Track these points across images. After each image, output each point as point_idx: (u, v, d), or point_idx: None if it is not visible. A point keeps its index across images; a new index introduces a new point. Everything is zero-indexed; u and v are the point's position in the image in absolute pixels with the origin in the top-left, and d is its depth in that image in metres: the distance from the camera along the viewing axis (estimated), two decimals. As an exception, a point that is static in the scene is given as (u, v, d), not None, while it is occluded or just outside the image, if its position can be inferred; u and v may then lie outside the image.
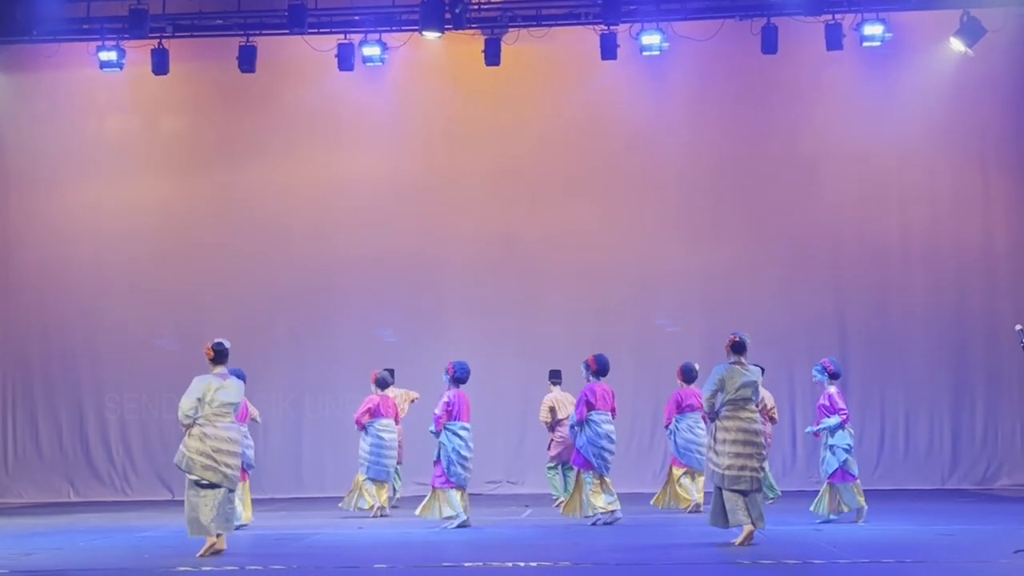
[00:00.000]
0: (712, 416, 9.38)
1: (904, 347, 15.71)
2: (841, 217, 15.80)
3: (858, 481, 11.06)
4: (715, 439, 9.33)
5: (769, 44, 14.72)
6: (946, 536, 9.81)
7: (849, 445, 10.98)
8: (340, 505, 12.85)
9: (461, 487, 11.10)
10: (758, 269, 15.77)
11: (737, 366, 9.34)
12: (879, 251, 15.80)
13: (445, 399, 11.17)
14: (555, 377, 13.63)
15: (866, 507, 11.02)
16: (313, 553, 9.45)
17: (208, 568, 8.36)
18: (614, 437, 11.38)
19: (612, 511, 11.24)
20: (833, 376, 11.17)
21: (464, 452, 11.06)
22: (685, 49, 15.21)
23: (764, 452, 9.37)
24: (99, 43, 15.20)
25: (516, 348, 15.74)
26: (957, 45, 15.19)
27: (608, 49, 14.80)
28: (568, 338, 15.37)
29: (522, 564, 8.24)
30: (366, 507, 12.51)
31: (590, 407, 11.34)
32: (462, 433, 11.08)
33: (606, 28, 14.82)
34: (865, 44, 14.84)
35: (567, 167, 16.05)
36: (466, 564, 8.27)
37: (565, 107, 16.07)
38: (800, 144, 15.84)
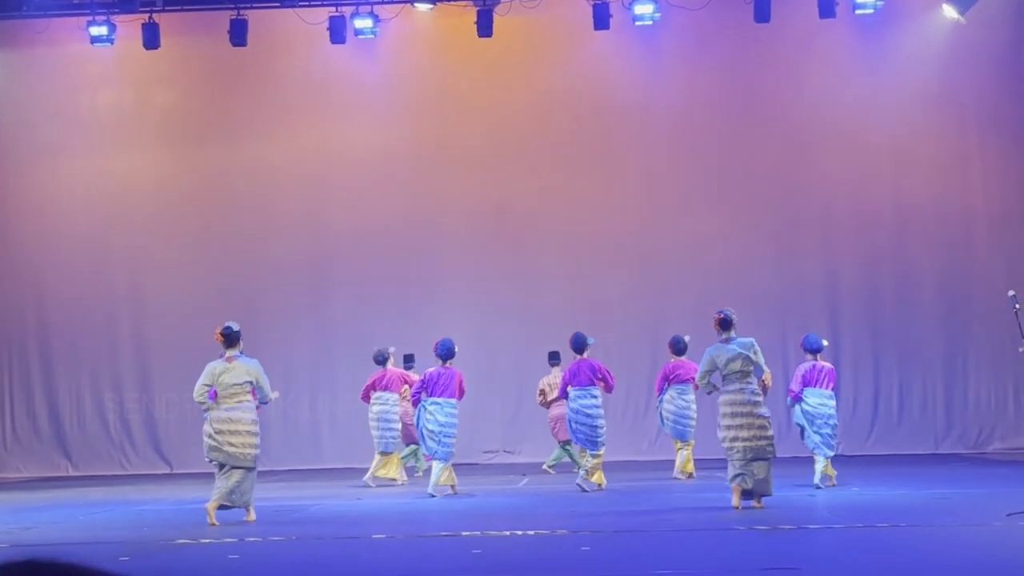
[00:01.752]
0: (709, 393, 9.72)
1: (897, 313, 15.78)
2: (834, 184, 15.82)
3: (815, 454, 11.10)
4: (718, 414, 9.65)
5: (762, 12, 14.69)
6: (940, 500, 9.89)
7: (798, 424, 11.17)
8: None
9: (440, 460, 11.22)
10: (751, 236, 15.81)
11: (723, 343, 9.54)
12: (872, 217, 15.84)
13: (422, 376, 11.57)
14: (553, 359, 13.66)
15: (827, 476, 11.04)
16: (312, 524, 9.52)
17: (207, 540, 8.43)
18: (592, 412, 11.39)
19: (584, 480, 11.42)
20: (806, 351, 11.26)
21: (430, 426, 11.22)
22: (678, 18, 15.17)
23: (759, 421, 9.41)
24: (89, 18, 15.13)
25: (510, 317, 15.79)
26: (949, 12, 15.16)
27: (601, 19, 14.76)
28: (562, 307, 15.43)
29: (519, 533, 8.31)
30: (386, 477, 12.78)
31: (566, 384, 11.62)
32: (431, 408, 11.27)
33: (598, -2, 14.76)
34: (858, 12, 14.81)
35: (560, 137, 16.04)
36: (464, 533, 8.34)
37: (558, 78, 16.04)
38: (793, 112, 15.83)
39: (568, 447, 13.57)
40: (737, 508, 9.36)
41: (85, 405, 16.25)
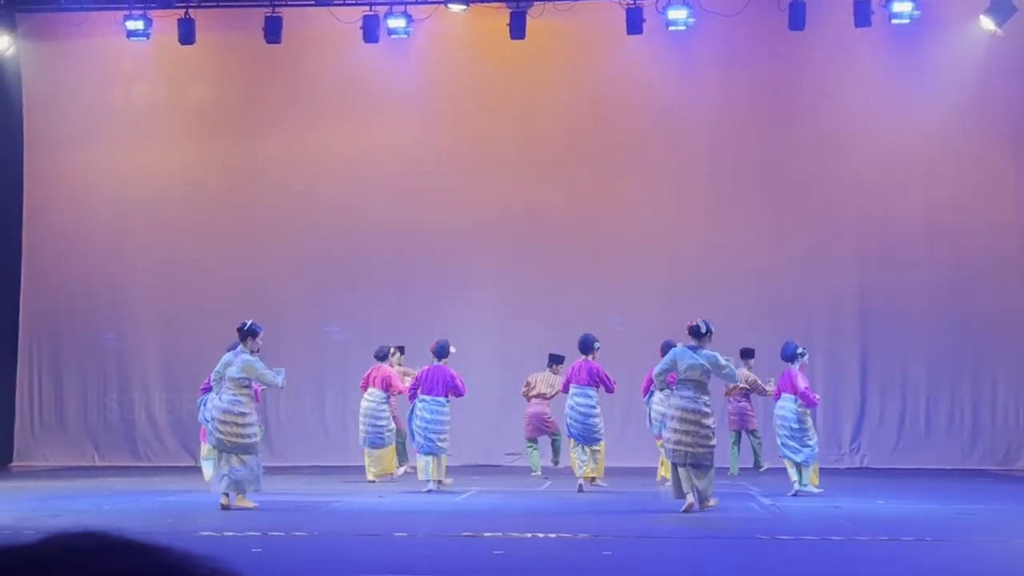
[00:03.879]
0: (661, 390, 10.09)
1: (925, 325, 15.64)
2: (866, 194, 15.71)
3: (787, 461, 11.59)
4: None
5: (797, 20, 14.62)
6: (965, 515, 9.81)
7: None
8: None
9: (429, 454, 11.84)
10: (781, 245, 15.72)
11: (689, 349, 9.86)
12: (903, 229, 15.71)
13: (415, 373, 12.40)
14: (555, 360, 13.93)
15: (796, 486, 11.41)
16: (334, 520, 9.55)
17: (231, 533, 8.47)
18: (584, 410, 12.03)
19: (588, 478, 12.00)
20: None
21: (417, 422, 11.93)
22: (711, 24, 15.12)
23: (704, 431, 9.69)
24: (126, 12, 15.26)
25: (538, 319, 15.76)
26: (987, 23, 15.03)
27: (634, 23, 14.74)
28: (590, 310, 15.40)
29: (541, 535, 8.30)
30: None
31: (568, 381, 12.37)
32: (420, 405, 12.00)
33: (632, 2, 14.76)
34: (894, 21, 14.70)
35: (591, 142, 16.01)
36: (485, 534, 8.34)
37: (590, 82, 16.02)
38: (826, 121, 15.73)
39: (533, 445, 13.95)
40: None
41: (111, 395, 16.37)
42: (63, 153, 16.48)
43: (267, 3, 15.19)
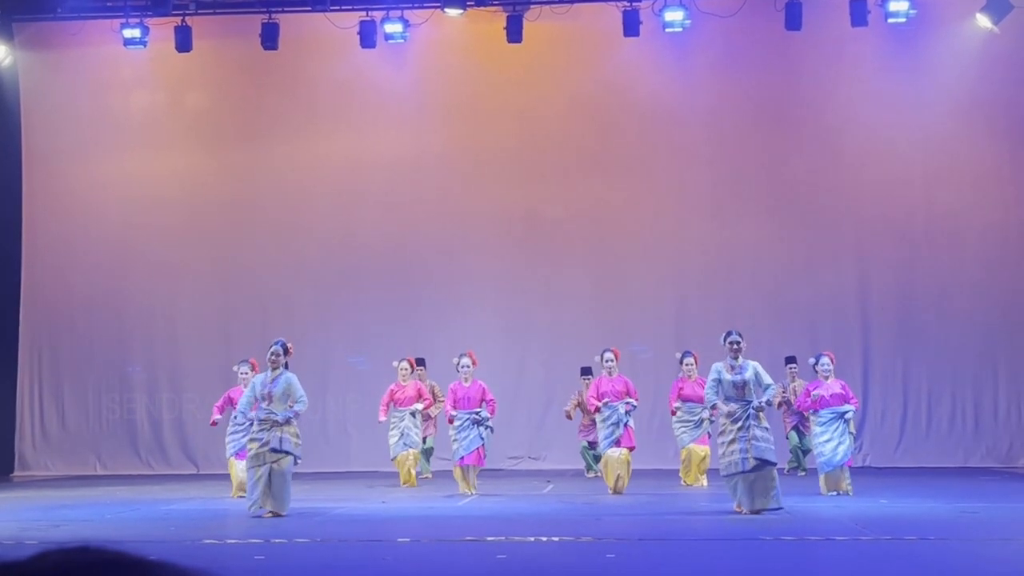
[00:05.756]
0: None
1: (927, 325, 15.65)
2: (865, 194, 15.73)
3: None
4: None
5: (793, 20, 14.63)
6: (968, 514, 9.80)
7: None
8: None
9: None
10: (781, 246, 15.73)
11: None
12: (903, 228, 15.73)
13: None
14: (586, 373, 13.90)
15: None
16: (337, 526, 9.54)
17: (233, 541, 8.47)
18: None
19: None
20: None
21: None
22: (708, 25, 15.13)
23: (719, 438, 9.75)
24: (123, 20, 15.27)
25: (537, 324, 15.77)
26: (983, 21, 15.05)
27: (630, 26, 14.75)
28: (589, 314, 15.41)
29: (544, 539, 8.29)
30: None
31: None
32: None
33: (628, 4, 14.77)
34: (890, 20, 14.73)
35: (589, 144, 16.02)
36: (488, 538, 8.33)
37: (587, 84, 16.03)
38: (824, 121, 15.75)
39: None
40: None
41: (114, 405, 16.36)
42: (61, 161, 16.49)
43: (264, 10, 15.20)
